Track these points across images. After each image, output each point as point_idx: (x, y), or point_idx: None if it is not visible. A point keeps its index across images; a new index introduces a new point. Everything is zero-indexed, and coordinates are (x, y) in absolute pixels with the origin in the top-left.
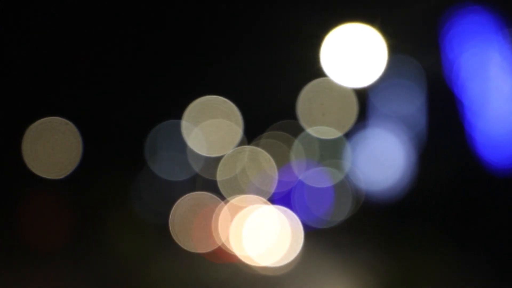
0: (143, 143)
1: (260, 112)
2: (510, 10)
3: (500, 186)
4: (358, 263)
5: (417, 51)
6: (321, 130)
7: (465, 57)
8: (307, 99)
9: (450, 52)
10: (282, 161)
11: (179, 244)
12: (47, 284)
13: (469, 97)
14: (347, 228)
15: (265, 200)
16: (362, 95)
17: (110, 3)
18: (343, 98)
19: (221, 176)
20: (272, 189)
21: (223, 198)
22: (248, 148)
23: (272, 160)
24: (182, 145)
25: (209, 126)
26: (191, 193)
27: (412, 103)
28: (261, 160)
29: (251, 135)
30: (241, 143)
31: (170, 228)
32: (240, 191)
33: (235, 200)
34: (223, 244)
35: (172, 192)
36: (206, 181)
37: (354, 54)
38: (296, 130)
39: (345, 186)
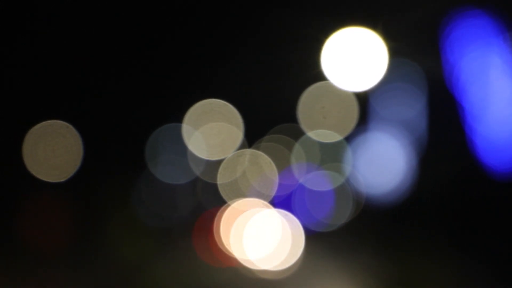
0: (144, 146)
1: (261, 116)
2: (511, 13)
3: (500, 189)
4: (359, 266)
5: (417, 54)
6: (321, 134)
7: (466, 61)
8: (307, 103)
9: (451, 56)
10: (282, 165)
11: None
12: (47, 286)
13: (470, 101)
14: (347, 231)
15: (266, 203)
16: (363, 98)
17: (112, 6)
18: (344, 101)
19: (221, 179)
20: (273, 192)
21: (224, 201)
22: (248, 151)
23: (272, 163)
24: (182, 148)
25: (210, 130)
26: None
27: (413, 107)
28: (261, 163)
29: (251, 138)
30: (241, 147)
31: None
32: (241, 194)
33: (236, 204)
34: (223, 247)
35: (173, 195)
36: (207, 185)
37: (355, 57)
38: (297, 133)
39: (346, 190)
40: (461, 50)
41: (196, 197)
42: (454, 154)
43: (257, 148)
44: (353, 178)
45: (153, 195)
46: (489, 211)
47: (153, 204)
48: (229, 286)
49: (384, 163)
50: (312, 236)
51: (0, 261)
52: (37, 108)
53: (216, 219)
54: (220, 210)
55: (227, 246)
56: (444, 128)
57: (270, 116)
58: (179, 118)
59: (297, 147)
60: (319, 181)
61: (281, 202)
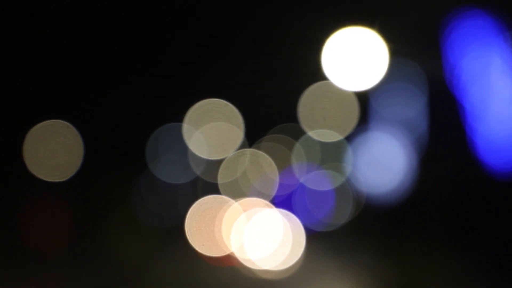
0: (144, 146)
1: (261, 115)
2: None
3: (501, 189)
4: (359, 266)
5: (418, 54)
6: (322, 133)
7: (466, 61)
8: (308, 102)
9: (451, 56)
10: (283, 164)
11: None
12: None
13: (470, 100)
14: (348, 231)
15: (267, 202)
16: (363, 98)
17: (112, 5)
18: (344, 101)
19: (222, 179)
20: (273, 192)
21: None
22: (249, 151)
23: (273, 163)
24: (183, 148)
25: (210, 129)
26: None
27: (413, 107)
28: (262, 163)
29: (252, 138)
30: (242, 146)
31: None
32: (241, 194)
33: (237, 203)
34: (224, 247)
35: (173, 195)
36: (207, 184)
37: (355, 57)
38: (297, 133)
39: (346, 189)
40: (462, 49)
41: (196, 197)
42: (455, 154)
43: (258, 148)
44: (354, 177)
45: (154, 195)
46: (490, 211)
47: (153, 204)
48: (230, 286)
49: (385, 163)
50: (312, 236)
51: (1, 261)
52: (38, 108)
53: (217, 218)
54: (221, 210)
55: (228, 246)
56: (445, 128)
57: (271, 116)
58: (179, 118)
59: (298, 146)
60: (319, 180)
61: (281, 201)
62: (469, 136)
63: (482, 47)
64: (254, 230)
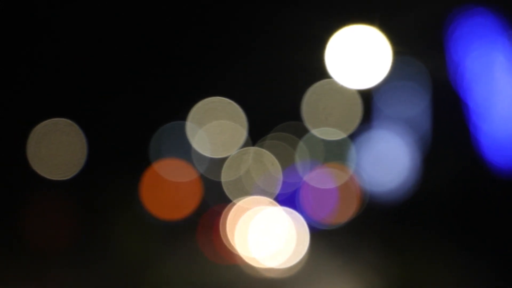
0: (148, 144)
1: (265, 114)
2: None
3: (505, 187)
4: (363, 264)
5: (421, 52)
6: (325, 131)
7: (470, 59)
8: (311, 101)
9: (455, 54)
10: (286, 162)
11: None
12: (51, 286)
13: (474, 99)
14: (351, 230)
15: (271, 200)
16: (367, 96)
17: (115, 3)
18: (348, 99)
19: (225, 177)
20: (277, 190)
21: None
22: (252, 149)
23: (276, 161)
24: (187, 146)
25: (214, 128)
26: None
27: (417, 105)
28: (265, 161)
29: (255, 136)
30: (245, 145)
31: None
32: (245, 192)
33: (241, 202)
34: (228, 245)
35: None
36: (211, 183)
37: (358, 55)
38: (301, 131)
39: (350, 188)
40: (465, 48)
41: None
42: (458, 152)
43: (261, 146)
44: (357, 176)
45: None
46: (494, 209)
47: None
48: (234, 284)
49: (388, 161)
50: (316, 234)
51: (4, 260)
52: (41, 106)
53: (220, 217)
54: (224, 208)
55: (231, 244)
56: (448, 127)
57: (274, 114)
58: (183, 116)
59: (301, 145)
60: (323, 179)
61: (285, 200)
62: (472, 135)
63: (486, 46)
64: (258, 229)
